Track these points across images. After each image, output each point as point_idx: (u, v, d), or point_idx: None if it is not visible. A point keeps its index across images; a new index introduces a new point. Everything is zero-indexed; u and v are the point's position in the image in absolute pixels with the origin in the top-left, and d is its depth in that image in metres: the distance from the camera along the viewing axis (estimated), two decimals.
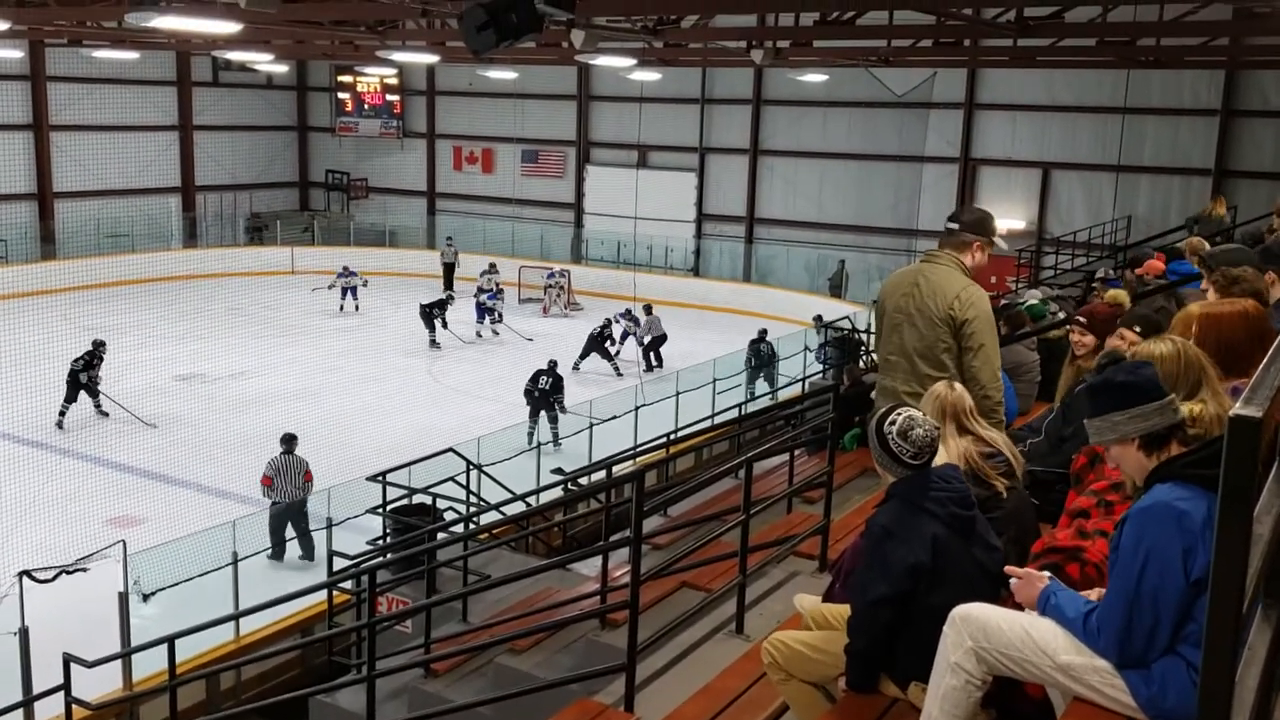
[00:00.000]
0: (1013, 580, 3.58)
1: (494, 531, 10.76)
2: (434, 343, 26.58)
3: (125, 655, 9.72)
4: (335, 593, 10.48)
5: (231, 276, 34.02)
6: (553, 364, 19.58)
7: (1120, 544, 3.20)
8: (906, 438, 4.04)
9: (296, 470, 14.09)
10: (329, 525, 12.80)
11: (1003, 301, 11.50)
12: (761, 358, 22.28)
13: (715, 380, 19.45)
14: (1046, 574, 3.54)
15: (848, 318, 21.87)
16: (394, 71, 37.27)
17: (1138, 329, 5.88)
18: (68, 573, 10.56)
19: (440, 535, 10.78)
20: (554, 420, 18.93)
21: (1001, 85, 30.22)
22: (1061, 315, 10.00)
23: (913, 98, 30.97)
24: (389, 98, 39.91)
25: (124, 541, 10.85)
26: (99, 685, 9.23)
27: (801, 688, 4.35)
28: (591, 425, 16.85)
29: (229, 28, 15.61)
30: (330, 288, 30.40)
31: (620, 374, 24.24)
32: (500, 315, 28.29)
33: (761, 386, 22.04)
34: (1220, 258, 6.19)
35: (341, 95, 40.05)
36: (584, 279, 33.61)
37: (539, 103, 36.75)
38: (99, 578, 10.73)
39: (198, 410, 20.71)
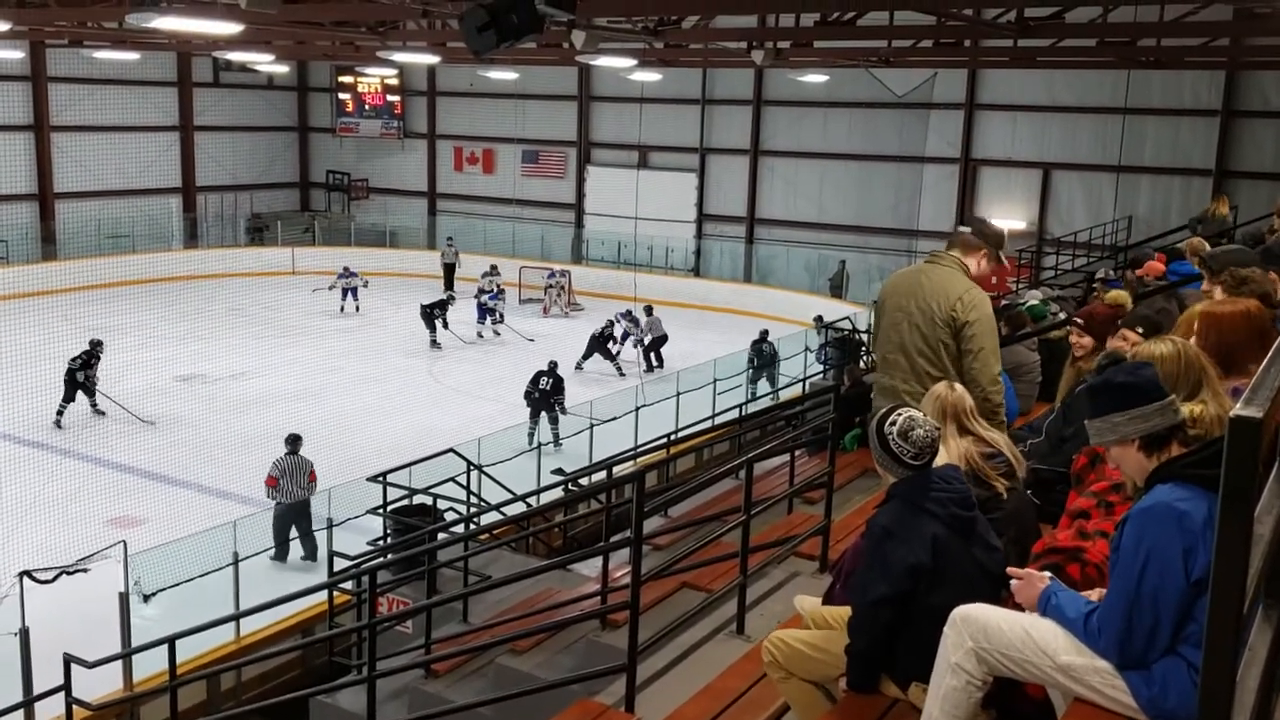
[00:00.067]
0: (1013, 581, 3.58)
1: (494, 532, 10.76)
2: (435, 343, 26.58)
3: (126, 656, 9.73)
4: (336, 593, 10.48)
5: (232, 277, 34.01)
6: (553, 365, 19.59)
7: (1121, 544, 3.20)
8: (907, 438, 4.04)
9: (302, 471, 14.07)
10: (329, 526, 12.82)
11: (1003, 302, 11.50)
12: (764, 357, 22.28)
13: (716, 381, 19.46)
14: (1047, 574, 3.54)
15: (848, 318, 21.89)
16: (395, 72, 37.26)
17: (1139, 330, 5.88)
18: (68, 573, 10.58)
19: (441, 536, 10.78)
20: (554, 421, 18.93)
21: (1002, 86, 30.22)
22: (1062, 316, 10.00)
23: (913, 98, 30.97)
24: (390, 98, 39.91)
25: (124, 542, 10.87)
26: (99, 686, 9.24)
27: (802, 687, 4.35)
28: (592, 426, 16.85)
29: (230, 28, 15.61)
30: (331, 288, 30.40)
31: (622, 374, 24.26)
32: (501, 316, 28.29)
33: (763, 386, 22.05)
34: (1221, 259, 6.19)
35: (342, 96, 40.05)
36: (584, 279, 33.61)
37: (540, 103, 36.75)
38: (99, 578, 10.75)
39: (198, 411, 20.72)
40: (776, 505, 8.13)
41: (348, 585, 10.02)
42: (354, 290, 30.31)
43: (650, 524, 8.70)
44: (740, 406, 18.47)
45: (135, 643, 9.76)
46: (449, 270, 33.77)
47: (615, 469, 12.36)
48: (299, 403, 20.67)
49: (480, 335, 27.96)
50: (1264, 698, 2.04)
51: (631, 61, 22.15)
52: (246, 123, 39.47)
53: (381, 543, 11.69)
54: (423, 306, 26.91)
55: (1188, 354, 3.95)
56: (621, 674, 5.53)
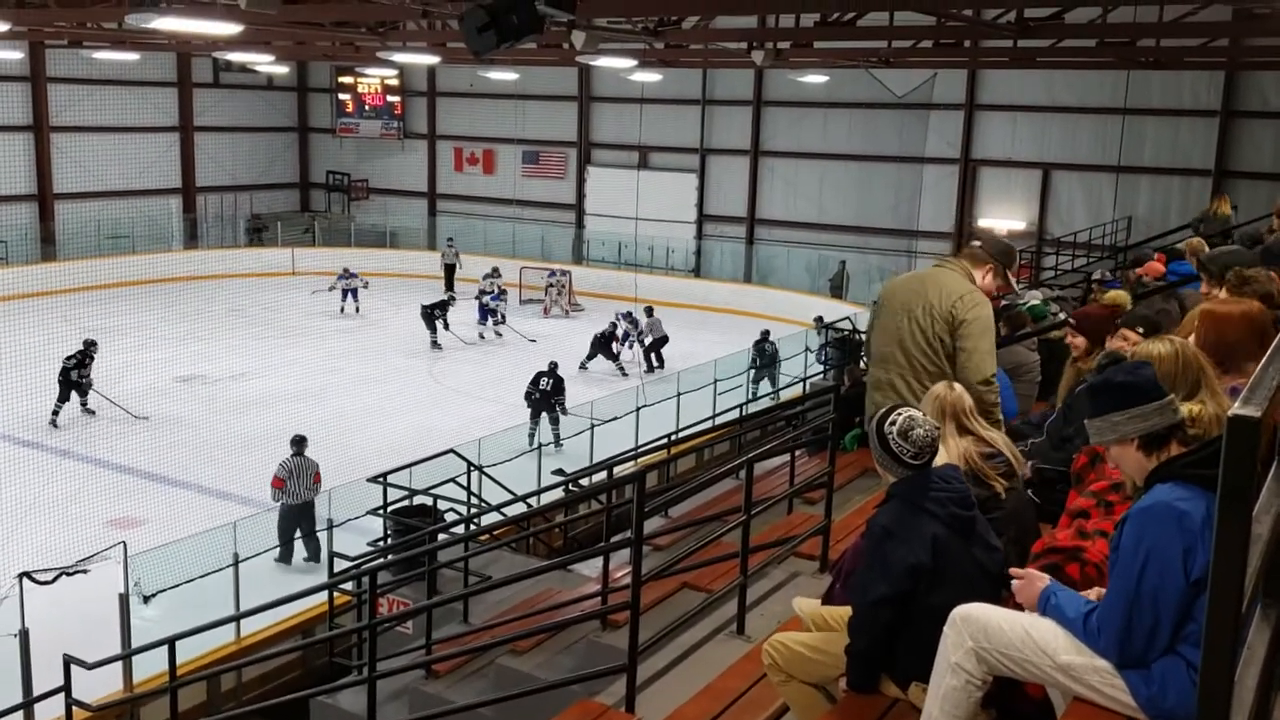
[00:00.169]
0: (1013, 580, 3.59)
1: (495, 533, 10.76)
2: (435, 344, 26.58)
3: (126, 657, 9.73)
4: (336, 594, 10.48)
5: (232, 278, 34.00)
6: (553, 365, 19.59)
7: (1120, 544, 3.20)
8: (907, 438, 4.05)
9: (308, 472, 14.04)
10: (330, 526, 12.84)
11: (1003, 302, 11.50)
12: (765, 357, 22.30)
13: (716, 381, 19.47)
14: (1046, 575, 3.54)
15: (848, 318, 21.89)
16: (395, 72, 37.26)
17: (1140, 329, 5.88)
18: (68, 574, 10.57)
19: (441, 536, 10.78)
20: (555, 422, 18.94)
21: (1002, 86, 30.22)
22: (1062, 316, 10.00)
23: (913, 99, 30.97)
24: (390, 99, 39.92)
25: (124, 543, 10.87)
26: (99, 687, 9.23)
27: (802, 688, 4.35)
28: (593, 426, 16.87)
29: (229, 29, 15.62)
30: (331, 289, 30.39)
31: (625, 374, 24.28)
32: (503, 316, 28.29)
33: (764, 387, 22.06)
34: (1218, 260, 6.20)
35: (342, 96, 40.05)
36: (585, 280, 33.60)
37: (540, 104, 36.75)
38: (99, 579, 10.74)
39: (198, 411, 20.72)
40: (777, 505, 8.14)
41: (348, 586, 10.02)
42: (354, 291, 30.28)
43: (651, 524, 8.70)
44: (741, 407, 18.48)
45: (135, 644, 9.76)
46: (449, 271, 33.78)
47: (616, 469, 12.37)
48: (299, 403, 20.67)
49: (481, 336, 27.96)
50: (1262, 696, 2.05)
51: (631, 62, 22.16)
52: (246, 123, 39.47)
53: (382, 543, 11.70)
54: (423, 307, 26.91)
55: (1185, 354, 3.96)
56: (622, 674, 5.53)
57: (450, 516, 11.99)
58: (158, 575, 11.10)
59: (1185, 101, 28.05)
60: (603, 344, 24.77)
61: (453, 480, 12.49)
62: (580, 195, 37.40)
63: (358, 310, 30.23)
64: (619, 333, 25.25)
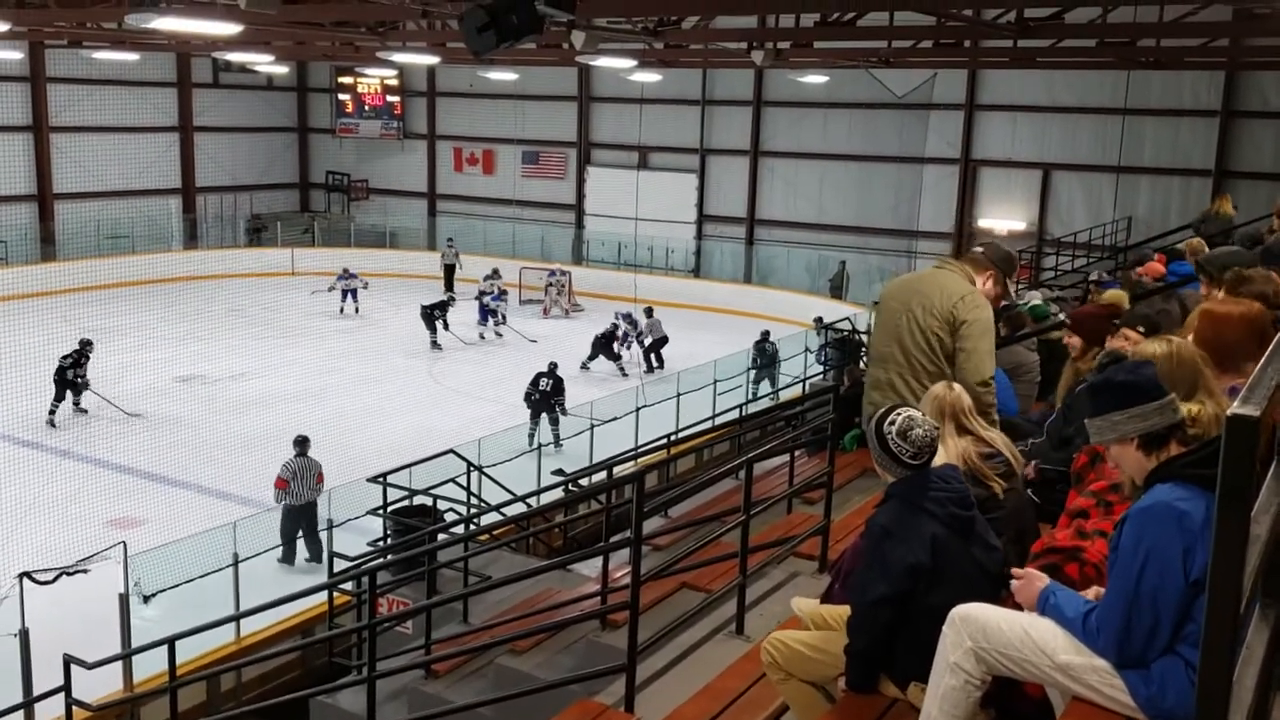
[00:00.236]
0: (1013, 580, 3.59)
1: (494, 533, 10.76)
2: (435, 344, 26.58)
3: (126, 656, 9.73)
4: (336, 594, 10.48)
5: (232, 278, 34.00)
6: (553, 366, 19.59)
7: (1120, 544, 3.20)
8: (906, 437, 4.05)
9: (311, 473, 14.02)
10: (329, 526, 12.84)
11: (1003, 302, 11.49)
12: (766, 357, 22.31)
13: (716, 381, 19.47)
14: (1045, 575, 3.54)
15: (848, 319, 21.90)
16: (394, 73, 37.26)
17: (1141, 329, 5.89)
18: (68, 574, 10.58)
19: (440, 536, 10.78)
20: (555, 422, 18.93)
21: (1002, 86, 30.22)
22: (1062, 316, 10.01)
23: (913, 99, 30.97)
24: (389, 99, 39.92)
25: (124, 543, 10.87)
26: (99, 687, 9.24)
27: (801, 687, 4.35)
28: (592, 426, 16.87)
29: (229, 29, 15.62)
30: (330, 290, 30.36)
31: (625, 374, 24.29)
32: (504, 317, 28.29)
33: (764, 387, 22.07)
34: (1216, 261, 6.21)
35: (342, 96, 40.05)
36: (585, 280, 33.60)
37: (540, 104, 36.75)
38: (99, 579, 10.75)
39: (198, 411, 20.71)
40: (776, 505, 8.14)
41: (348, 586, 10.03)
42: (353, 292, 30.26)
43: (650, 524, 8.70)
44: (740, 407, 18.48)
45: (135, 643, 9.76)
46: (449, 271, 33.78)
47: (615, 469, 12.37)
48: (299, 404, 20.67)
49: (482, 337, 27.95)
50: (1261, 696, 2.05)
51: (631, 62, 22.16)
52: (246, 123, 39.46)
53: (381, 543, 11.70)
54: (423, 307, 26.90)
55: (1181, 354, 3.95)
56: (621, 674, 5.53)
57: (450, 517, 11.99)
58: (158, 575, 11.11)
59: (1185, 101, 28.05)
60: (604, 344, 24.78)
61: (452, 480, 12.49)
62: (580, 195, 37.40)
63: (357, 311, 30.21)
64: (619, 333, 25.26)
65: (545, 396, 19.07)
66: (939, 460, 4.23)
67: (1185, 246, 11.44)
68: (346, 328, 29.01)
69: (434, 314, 26.75)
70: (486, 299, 28.15)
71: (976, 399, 5.89)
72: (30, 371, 19.57)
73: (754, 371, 22.05)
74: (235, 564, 11.60)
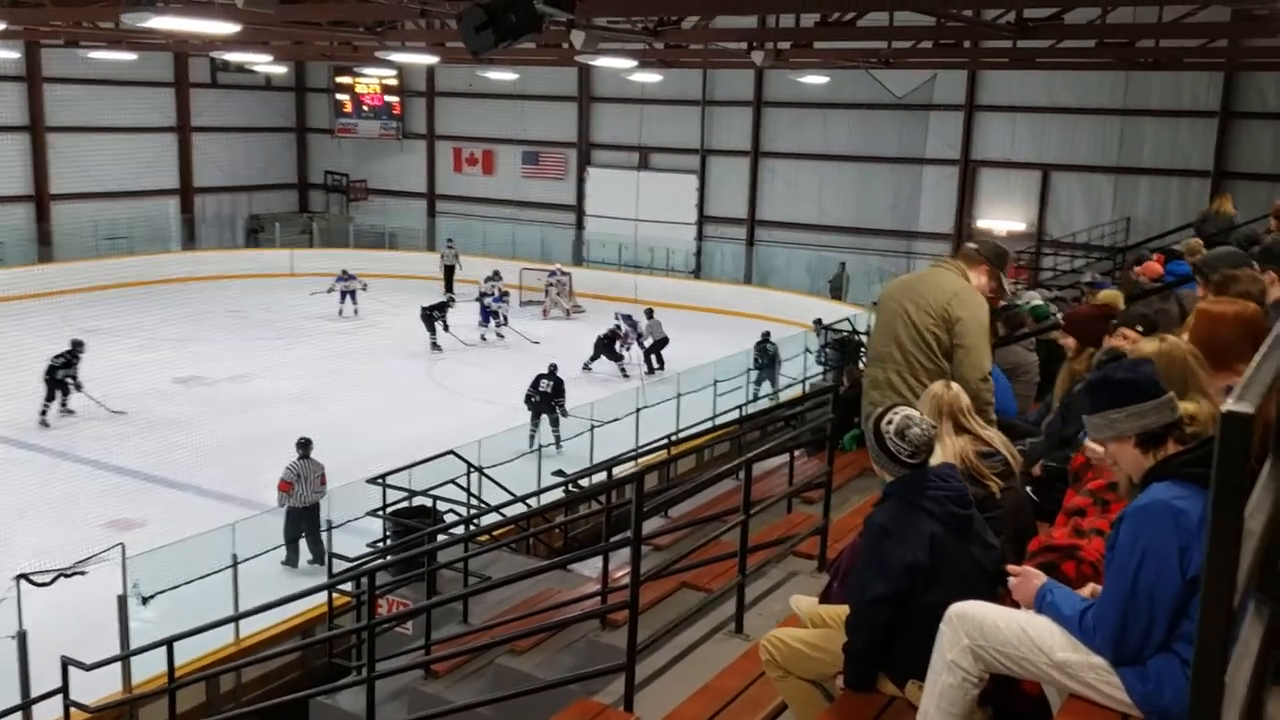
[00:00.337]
0: (1010, 578, 3.59)
1: (494, 533, 10.77)
2: (435, 345, 26.57)
3: (124, 658, 9.73)
4: (335, 595, 10.48)
5: (230, 279, 34.00)
6: (553, 368, 19.58)
7: (1117, 542, 3.20)
8: (904, 436, 4.05)
9: (314, 475, 14.02)
10: (329, 527, 12.84)
11: (1001, 303, 11.49)
12: (766, 358, 22.32)
13: (716, 382, 19.47)
14: (1042, 572, 3.55)
15: (847, 319, 21.91)
16: (393, 72, 37.25)
17: (1140, 328, 5.89)
18: (66, 576, 10.58)
19: (440, 537, 10.79)
20: (555, 424, 18.93)
21: (1001, 87, 30.21)
22: (1061, 316, 10.01)
23: (913, 99, 30.99)
24: (388, 99, 39.89)
25: (123, 544, 10.87)
26: (98, 688, 9.23)
27: (800, 685, 4.35)
28: (593, 427, 16.88)
29: (227, 28, 15.61)
30: (329, 291, 30.28)
31: (627, 375, 24.30)
32: (505, 319, 28.28)
33: (765, 388, 22.09)
34: (1213, 261, 6.21)
35: (340, 96, 40.01)
36: (585, 281, 33.59)
37: (539, 104, 36.75)
38: (98, 581, 10.76)
39: (197, 413, 20.69)
40: (776, 505, 8.16)
41: (347, 586, 10.03)
42: (352, 293, 30.21)
43: (650, 524, 8.70)
44: (740, 408, 18.48)
45: (134, 645, 9.76)
46: (449, 272, 33.77)
47: (615, 470, 12.38)
48: (298, 405, 20.66)
49: (483, 338, 27.92)
50: (1255, 693, 2.05)
51: (631, 62, 22.16)
52: (244, 124, 39.39)
53: (381, 544, 11.70)
54: (423, 309, 26.89)
55: (1173, 353, 3.95)
56: (620, 674, 5.54)
57: (450, 518, 12.00)
58: (156, 577, 11.10)
59: (1184, 102, 28.05)
60: (606, 345, 24.79)
61: (452, 481, 12.50)
62: (580, 196, 37.38)
63: (356, 312, 30.17)
64: (621, 333, 25.26)
65: (546, 398, 19.07)
66: (937, 459, 4.24)
67: (1184, 247, 11.43)
68: (346, 329, 28.99)
69: (433, 315, 26.74)
70: (488, 300, 28.14)
71: (976, 395, 5.91)
72: (29, 373, 19.62)
73: (754, 372, 22.06)
74: (234, 565, 11.60)
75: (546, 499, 12.79)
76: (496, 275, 29.38)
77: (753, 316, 29.51)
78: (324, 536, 13.17)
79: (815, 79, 28.87)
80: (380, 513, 11.95)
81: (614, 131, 36.45)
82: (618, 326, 25.21)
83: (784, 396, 20.71)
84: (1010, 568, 3.66)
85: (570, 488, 12.57)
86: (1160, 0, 16.70)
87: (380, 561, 10.01)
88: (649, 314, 25.83)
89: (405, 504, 12.10)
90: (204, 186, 37.70)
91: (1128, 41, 18.90)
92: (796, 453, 10.13)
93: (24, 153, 33.36)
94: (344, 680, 9.08)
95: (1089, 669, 3.26)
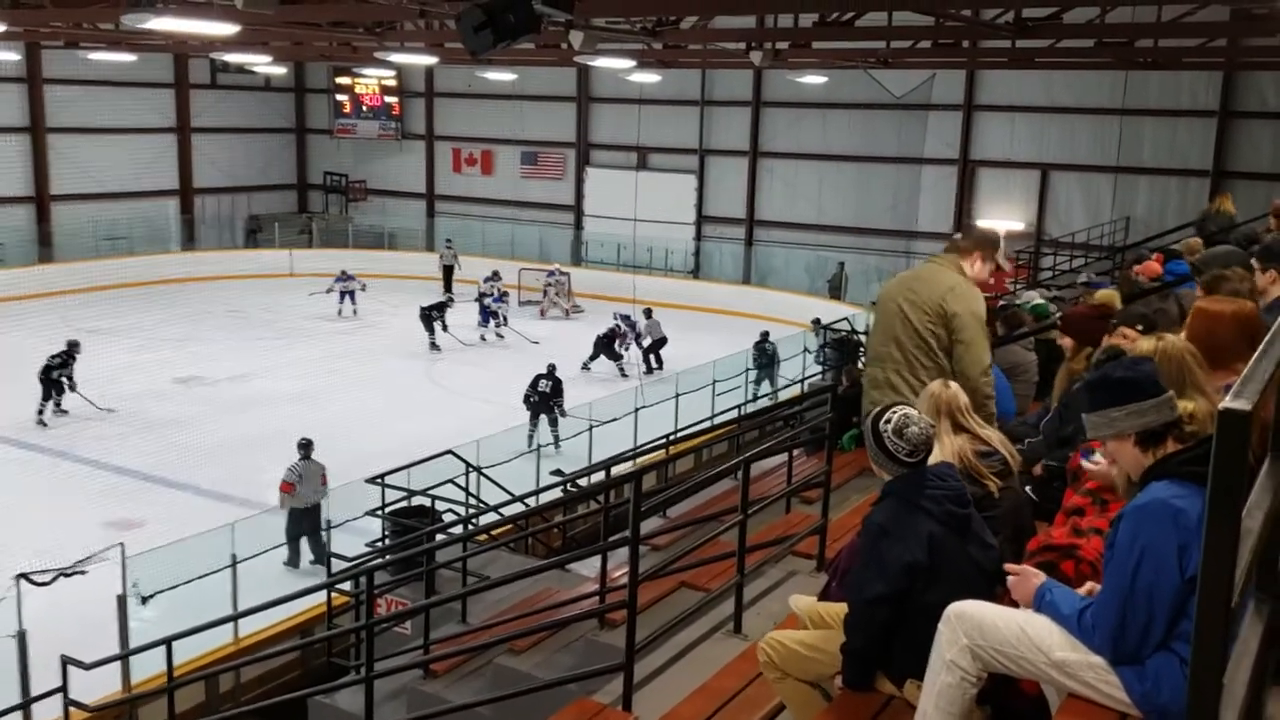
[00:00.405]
0: (1009, 577, 3.59)
1: (493, 533, 10.77)
2: (434, 345, 26.57)
3: (124, 657, 9.73)
4: (334, 594, 10.48)
5: (230, 279, 33.99)
6: (551, 368, 19.57)
7: (1116, 541, 3.19)
8: (902, 435, 4.05)
9: (315, 475, 14.01)
10: (328, 527, 12.83)
11: (1000, 302, 11.51)
12: (765, 358, 22.32)
13: (715, 382, 19.47)
14: (1041, 571, 3.54)
15: (846, 319, 21.91)
16: (392, 73, 37.24)
17: (1139, 328, 5.90)
18: (66, 575, 10.59)
19: (439, 536, 10.78)
20: (554, 424, 18.93)
21: (1000, 87, 30.22)
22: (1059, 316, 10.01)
23: (912, 99, 30.98)
24: (387, 99, 39.89)
25: (122, 544, 10.87)
26: (98, 687, 9.23)
27: (798, 686, 4.35)
28: (591, 427, 16.87)
29: (226, 29, 15.61)
30: (328, 292, 30.26)
31: (626, 375, 24.30)
32: (505, 319, 28.27)
33: (764, 388, 22.08)
34: (1210, 260, 6.22)
35: (339, 97, 40.01)
36: (584, 281, 33.59)
37: (538, 104, 36.73)
38: (97, 580, 10.76)
39: (196, 413, 20.69)
40: (774, 505, 8.15)
41: (346, 586, 10.03)
42: (351, 294, 30.20)
43: (649, 524, 8.71)
44: (739, 407, 18.48)
45: (133, 645, 9.76)
46: (447, 272, 33.77)
47: (614, 470, 12.37)
48: (298, 405, 20.66)
49: (483, 339, 27.92)
50: (1255, 691, 2.05)
51: (630, 62, 22.15)
52: (244, 124, 39.38)
53: (380, 544, 11.70)
54: (422, 309, 26.88)
55: (1169, 351, 3.95)
56: (619, 673, 5.53)
57: (449, 517, 11.99)
58: (156, 576, 11.10)
59: (1183, 102, 28.05)
60: (605, 344, 24.79)
61: (451, 481, 12.49)
62: (579, 196, 37.39)
63: (355, 313, 30.17)
64: (620, 333, 25.26)
65: (544, 398, 19.06)
66: (935, 458, 4.24)
67: (1183, 246, 11.44)
68: (345, 329, 28.99)
69: (432, 315, 26.73)
70: (488, 300, 28.14)
71: (977, 390, 5.92)
72: (29, 373, 19.62)
73: (753, 372, 22.05)
74: (233, 565, 11.60)
75: (545, 499, 12.78)
76: (495, 275, 29.38)
77: (751, 316, 29.51)
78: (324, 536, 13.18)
79: (814, 79, 28.84)
80: (379, 512, 11.94)
81: (613, 132, 36.44)
82: (616, 326, 25.21)
83: (783, 397, 20.69)
84: (1009, 567, 3.66)
85: (569, 487, 12.56)
86: (1159, 0, 16.71)
87: (379, 561, 10.00)
88: (647, 314, 25.83)
89: (404, 504, 12.10)
90: (203, 187, 37.70)
91: (1127, 41, 18.90)
92: (795, 452, 10.12)
93: (24, 154, 33.37)
94: (343, 680, 9.07)
95: (1088, 668, 3.25)
